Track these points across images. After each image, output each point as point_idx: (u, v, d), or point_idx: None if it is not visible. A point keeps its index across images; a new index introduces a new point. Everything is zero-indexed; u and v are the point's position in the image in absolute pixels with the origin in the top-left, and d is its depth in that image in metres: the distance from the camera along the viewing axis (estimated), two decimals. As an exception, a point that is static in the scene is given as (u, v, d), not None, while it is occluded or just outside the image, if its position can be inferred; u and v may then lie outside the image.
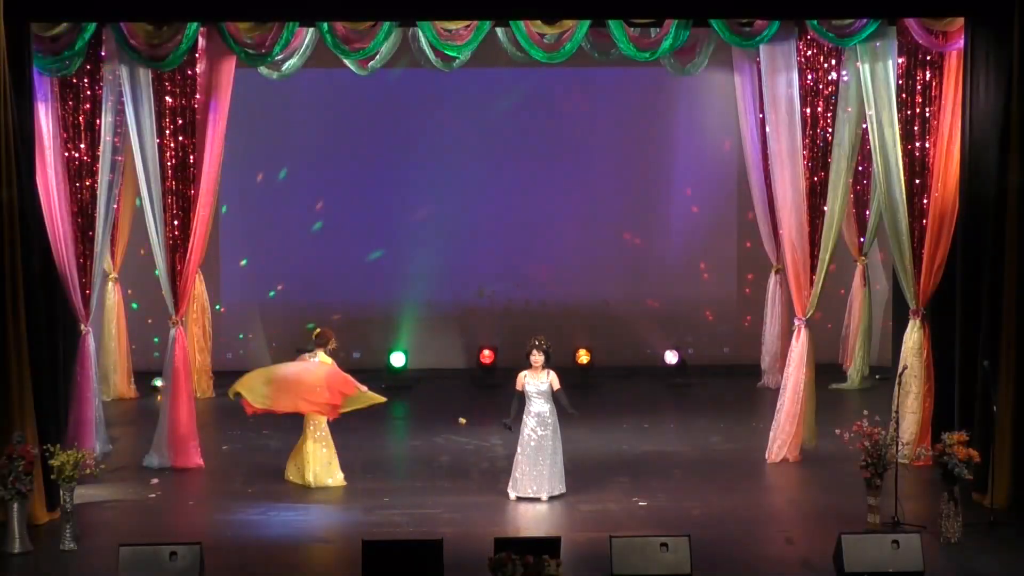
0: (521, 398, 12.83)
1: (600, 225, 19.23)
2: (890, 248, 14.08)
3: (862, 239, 17.67)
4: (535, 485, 12.77)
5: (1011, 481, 12.39)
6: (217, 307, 18.44)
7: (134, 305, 18.18)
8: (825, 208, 13.91)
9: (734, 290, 19.51)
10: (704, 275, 19.46)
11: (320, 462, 13.42)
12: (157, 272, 14.04)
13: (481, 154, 18.98)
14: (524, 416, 12.84)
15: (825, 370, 16.20)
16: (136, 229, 16.73)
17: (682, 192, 19.35)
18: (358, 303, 19.16)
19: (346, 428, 15.87)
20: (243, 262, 19.12)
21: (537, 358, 12.79)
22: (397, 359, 18.35)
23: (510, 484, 12.84)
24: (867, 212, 17.38)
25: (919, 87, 13.62)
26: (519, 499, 12.74)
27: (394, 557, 10.26)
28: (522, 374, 12.84)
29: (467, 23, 13.58)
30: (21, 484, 11.37)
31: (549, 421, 12.81)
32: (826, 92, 13.88)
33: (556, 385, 12.84)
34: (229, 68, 13.91)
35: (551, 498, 12.73)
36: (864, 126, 13.97)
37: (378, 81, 17.15)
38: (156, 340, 18.04)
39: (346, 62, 14.77)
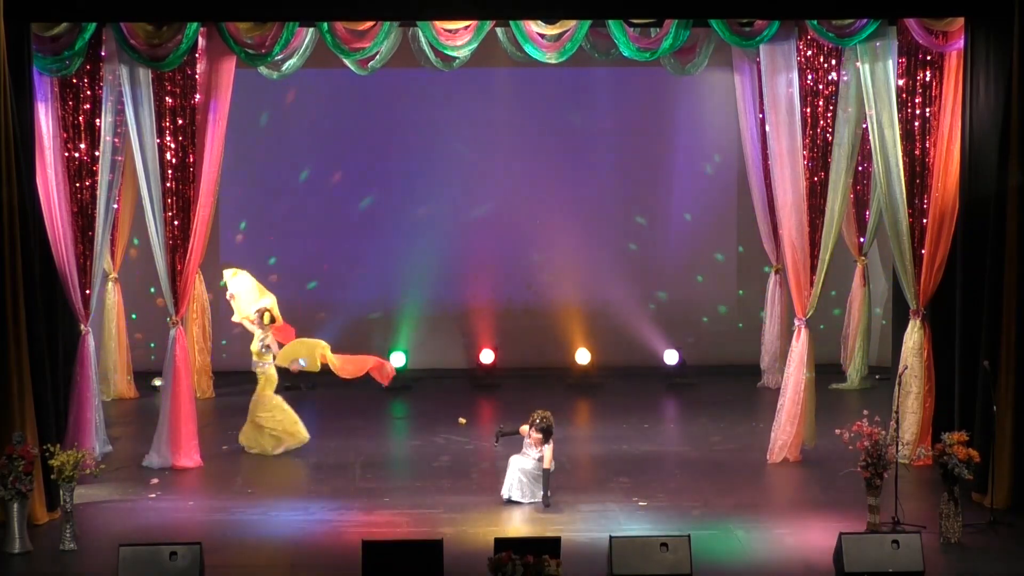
0: (516, 434, 12.90)
1: (600, 225, 19.23)
2: (891, 248, 14.08)
3: (862, 239, 17.68)
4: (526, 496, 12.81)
5: (1011, 481, 12.40)
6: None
7: (133, 316, 18.15)
8: (825, 208, 13.92)
9: (734, 290, 19.52)
10: (704, 275, 19.47)
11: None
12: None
13: (481, 154, 18.98)
14: (514, 462, 12.81)
15: (825, 370, 16.20)
16: (136, 229, 16.75)
17: (682, 192, 19.34)
18: (358, 303, 19.17)
19: (346, 428, 15.93)
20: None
21: (536, 436, 12.75)
22: (397, 359, 18.35)
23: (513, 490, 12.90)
24: (867, 212, 17.39)
25: (919, 87, 13.62)
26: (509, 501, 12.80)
27: (394, 557, 10.27)
28: (526, 428, 12.83)
29: (467, 23, 13.59)
30: (21, 484, 11.37)
31: (535, 476, 12.77)
32: (826, 92, 13.88)
33: (547, 463, 12.70)
34: (229, 68, 13.92)
35: (550, 498, 12.72)
36: (864, 126, 13.98)
37: (378, 81, 17.15)
38: (153, 344, 18.12)
39: (346, 62, 14.76)
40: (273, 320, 14.94)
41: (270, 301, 15.05)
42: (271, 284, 19.03)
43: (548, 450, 12.72)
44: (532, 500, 12.69)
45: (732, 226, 19.33)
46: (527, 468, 12.75)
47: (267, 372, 14.86)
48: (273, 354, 14.86)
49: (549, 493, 12.67)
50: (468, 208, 19.10)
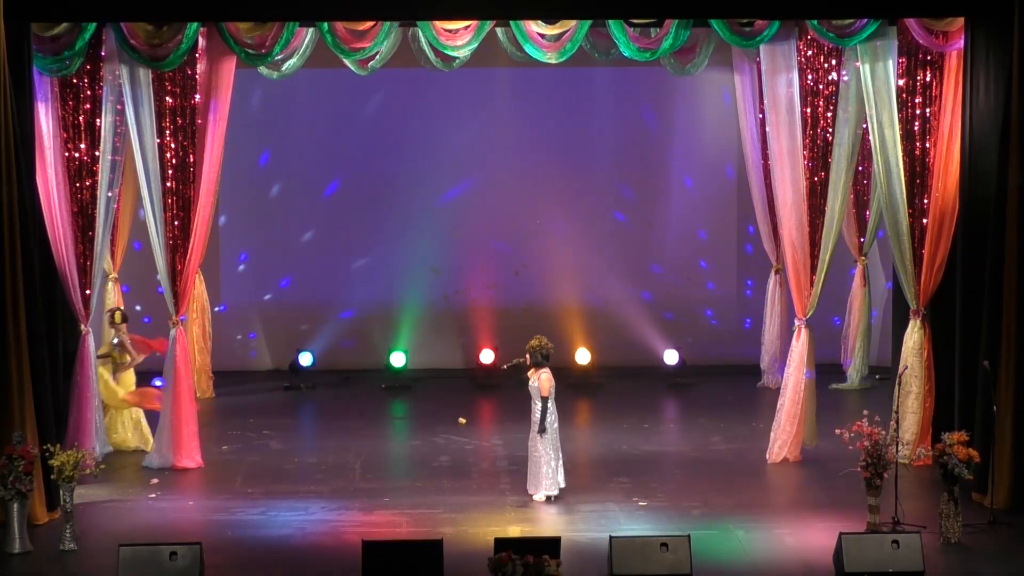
0: (520, 368, 12.94)
1: (600, 225, 19.23)
2: (891, 248, 14.09)
3: (862, 239, 17.68)
4: (528, 484, 12.81)
5: (1011, 481, 12.40)
6: (217, 309, 18.41)
7: (137, 307, 18.14)
8: (825, 208, 13.92)
9: (734, 290, 19.52)
10: (704, 275, 19.47)
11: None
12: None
13: (481, 154, 18.97)
14: (531, 454, 12.87)
15: (825, 370, 16.19)
16: (136, 229, 16.73)
17: (682, 192, 19.35)
18: (358, 303, 19.16)
19: (346, 428, 15.93)
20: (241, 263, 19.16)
21: (526, 359, 12.78)
22: (397, 359, 18.35)
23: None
24: (867, 212, 17.39)
25: (919, 87, 13.62)
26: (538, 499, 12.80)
27: (394, 557, 10.27)
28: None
29: (467, 23, 13.59)
30: (21, 484, 11.37)
31: (535, 420, 12.78)
32: (826, 92, 13.88)
33: (544, 391, 12.68)
34: (229, 68, 13.91)
35: (550, 498, 12.72)
36: (864, 126, 13.98)
37: (378, 81, 17.14)
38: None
39: (346, 62, 14.76)
40: (126, 319, 15.20)
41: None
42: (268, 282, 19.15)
43: (544, 377, 12.67)
44: (545, 494, 12.69)
45: (732, 226, 19.32)
46: (535, 453, 12.72)
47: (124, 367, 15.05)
48: (129, 353, 14.98)
49: (545, 421, 12.60)
50: (468, 208, 19.09)
